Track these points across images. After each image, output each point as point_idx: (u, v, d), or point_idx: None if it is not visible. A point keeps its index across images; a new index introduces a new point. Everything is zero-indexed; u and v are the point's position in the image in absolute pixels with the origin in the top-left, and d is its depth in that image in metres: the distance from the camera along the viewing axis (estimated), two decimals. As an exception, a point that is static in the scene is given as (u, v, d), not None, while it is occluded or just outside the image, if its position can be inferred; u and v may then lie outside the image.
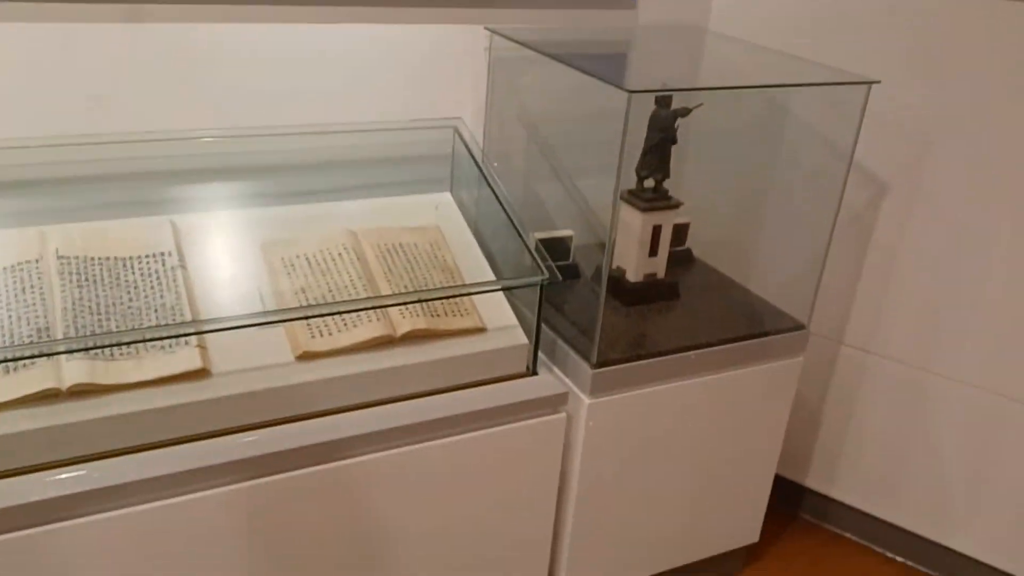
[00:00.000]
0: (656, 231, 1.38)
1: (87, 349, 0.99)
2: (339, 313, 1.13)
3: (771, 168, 1.58)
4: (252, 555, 1.07)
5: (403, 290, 1.19)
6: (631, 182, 1.41)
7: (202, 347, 1.06)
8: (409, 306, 1.17)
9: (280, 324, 1.10)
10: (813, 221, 1.45)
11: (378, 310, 1.15)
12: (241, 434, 1.04)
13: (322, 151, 1.36)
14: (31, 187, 1.18)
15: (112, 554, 0.98)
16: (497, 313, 1.23)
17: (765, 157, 1.59)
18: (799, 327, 1.39)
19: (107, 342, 1.01)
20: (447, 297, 1.19)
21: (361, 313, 1.15)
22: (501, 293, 1.26)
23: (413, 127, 1.40)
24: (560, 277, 1.17)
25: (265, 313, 1.08)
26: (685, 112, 1.32)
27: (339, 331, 1.13)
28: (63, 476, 0.95)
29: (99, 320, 1.04)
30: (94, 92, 1.19)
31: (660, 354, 1.26)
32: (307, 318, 1.11)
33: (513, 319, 1.24)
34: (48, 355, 0.97)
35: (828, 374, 1.63)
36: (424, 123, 1.40)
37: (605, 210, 1.42)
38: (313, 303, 1.15)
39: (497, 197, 1.29)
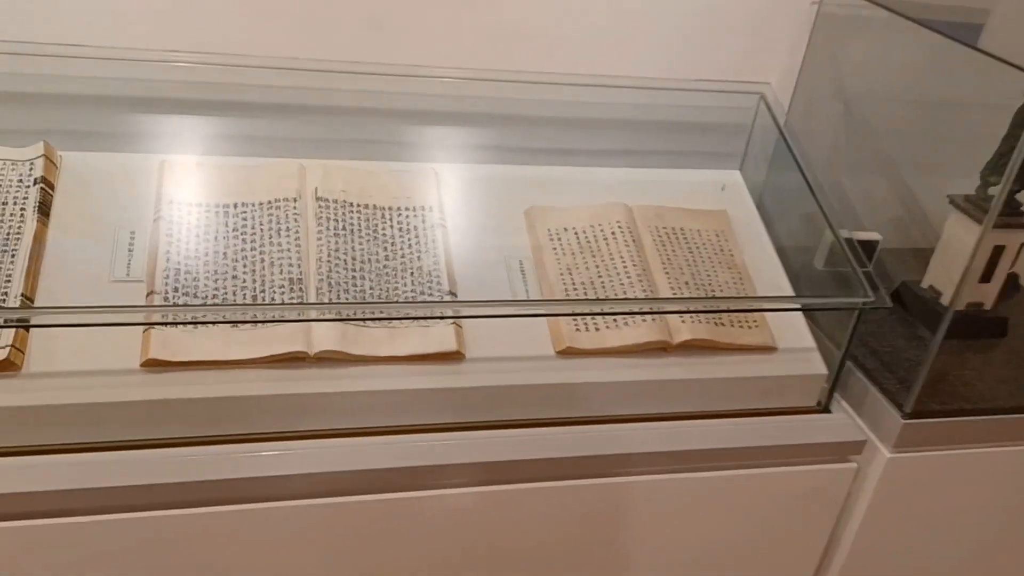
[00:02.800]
0: (996, 252, 1.11)
1: (342, 320, 0.88)
2: (614, 314, 0.96)
3: None
4: (484, 560, 0.95)
5: (683, 286, 1.01)
6: (965, 184, 1.13)
7: (458, 325, 0.93)
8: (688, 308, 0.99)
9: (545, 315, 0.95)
10: None
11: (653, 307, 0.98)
12: (493, 431, 0.91)
13: (596, 107, 1.18)
14: (290, 113, 1.08)
15: (326, 542, 0.89)
16: (790, 329, 1.02)
17: None
18: None
19: (366, 313, 0.89)
20: (739, 310, 1.00)
21: (633, 307, 0.98)
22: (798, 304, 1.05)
23: (706, 88, 1.19)
24: (889, 302, 0.94)
25: (532, 303, 0.93)
26: (1076, 110, 1.03)
27: (607, 327, 0.97)
28: (302, 450, 0.86)
29: (353, 277, 0.93)
30: (368, 17, 1.06)
31: (990, 412, 1.01)
32: (579, 314, 0.95)
33: (810, 340, 1.02)
34: (303, 321, 0.87)
35: None
36: (722, 85, 1.18)
37: (933, 217, 1.17)
38: (580, 288, 0.99)
39: (809, 185, 1.07)
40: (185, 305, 0.86)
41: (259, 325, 0.87)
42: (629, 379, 0.94)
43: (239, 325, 0.87)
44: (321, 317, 0.87)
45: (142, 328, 0.85)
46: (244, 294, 0.90)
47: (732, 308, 0.99)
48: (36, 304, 0.84)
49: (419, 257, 0.97)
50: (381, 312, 0.89)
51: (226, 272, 0.91)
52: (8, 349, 0.80)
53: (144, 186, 0.97)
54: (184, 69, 1.00)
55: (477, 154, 1.11)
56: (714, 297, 0.99)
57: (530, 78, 1.12)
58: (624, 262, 1.02)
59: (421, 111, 1.11)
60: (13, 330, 0.82)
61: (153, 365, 0.84)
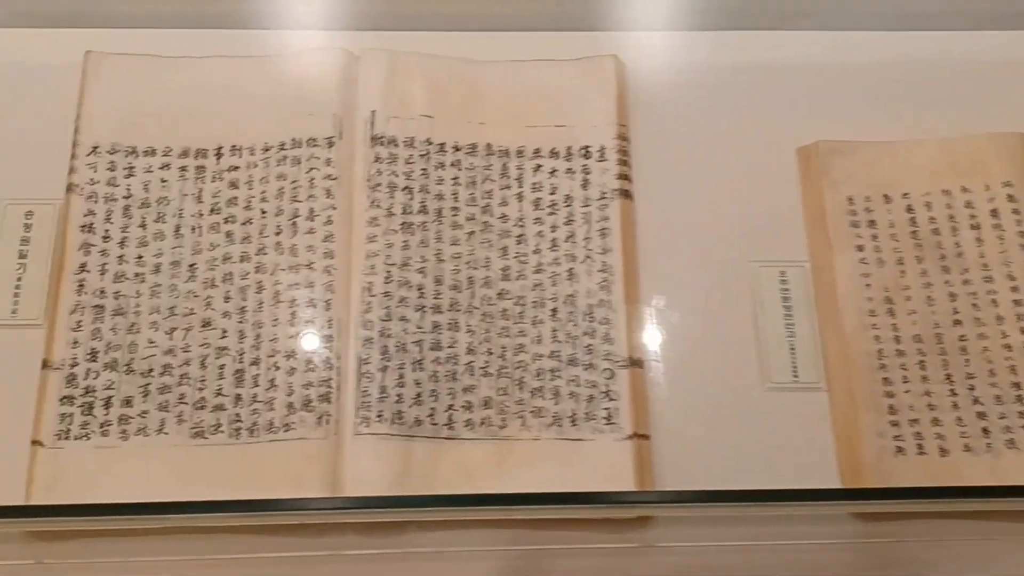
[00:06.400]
0: None
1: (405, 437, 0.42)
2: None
3: None
4: None
5: None
6: None
7: (641, 438, 0.45)
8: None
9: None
10: None
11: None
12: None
13: None
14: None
15: None
16: None
17: None
18: None
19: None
20: None
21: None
22: None
23: None
24: None
25: (811, 500, 0.40)
26: None
27: (967, 450, 0.45)
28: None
29: (435, 326, 0.46)
30: None
31: None
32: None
33: None
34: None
35: None
36: None
37: None
38: (914, 354, 0.46)
39: None
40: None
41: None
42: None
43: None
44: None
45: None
46: (193, 388, 0.45)
47: None
48: None
49: (571, 273, 0.47)
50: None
51: (174, 327, 0.46)
52: None
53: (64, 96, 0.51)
54: None
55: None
56: None
57: None
58: (1016, 282, 0.47)
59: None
60: None
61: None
